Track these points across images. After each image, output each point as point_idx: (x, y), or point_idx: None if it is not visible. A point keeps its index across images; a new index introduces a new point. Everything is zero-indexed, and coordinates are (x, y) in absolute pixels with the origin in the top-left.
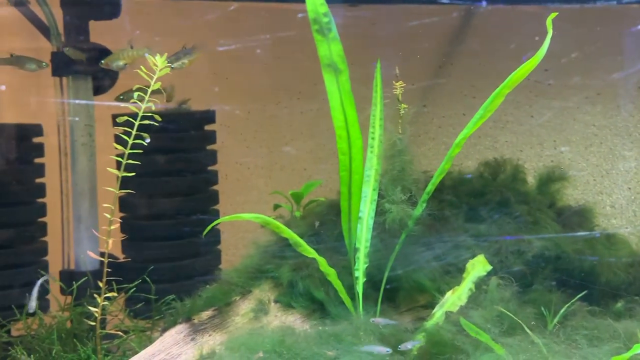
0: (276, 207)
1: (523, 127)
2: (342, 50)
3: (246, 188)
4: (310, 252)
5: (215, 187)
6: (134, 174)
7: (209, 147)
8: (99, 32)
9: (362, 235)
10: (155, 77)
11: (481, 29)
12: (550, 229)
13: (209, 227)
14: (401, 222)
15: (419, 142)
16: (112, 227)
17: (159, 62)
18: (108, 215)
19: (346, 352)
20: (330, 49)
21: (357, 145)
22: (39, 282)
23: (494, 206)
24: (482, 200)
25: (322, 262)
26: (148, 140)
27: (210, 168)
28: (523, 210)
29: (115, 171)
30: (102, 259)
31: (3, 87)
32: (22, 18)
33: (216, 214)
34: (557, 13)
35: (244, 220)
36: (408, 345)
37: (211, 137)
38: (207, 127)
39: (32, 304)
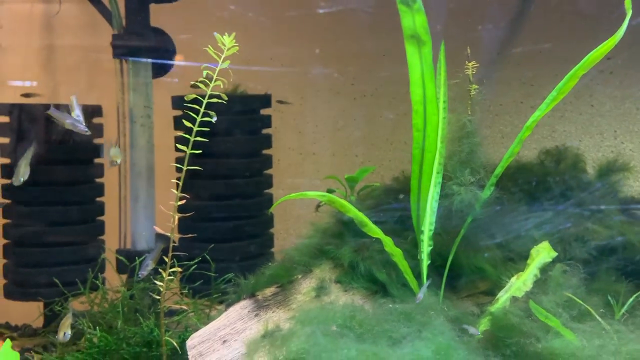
0: (330, 192)
1: (582, 116)
2: (426, 21)
3: (297, 173)
4: (376, 231)
5: (269, 171)
6: (200, 151)
7: (264, 131)
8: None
9: (426, 218)
10: (222, 57)
11: (540, 14)
12: (613, 218)
13: (275, 204)
14: (469, 204)
15: None
16: (179, 203)
17: (227, 41)
18: (175, 191)
19: (417, 330)
20: (415, 20)
21: (432, 122)
22: (159, 246)
23: (556, 194)
24: (543, 187)
25: (388, 242)
26: (215, 119)
27: (265, 152)
28: (585, 199)
29: (185, 148)
30: (169, 234)
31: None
32: (81, 13)
33: (270, 197)
34: None
35: (306, 198)
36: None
37: (266, 121)
38: (263, 112)
39: (148, 266)
